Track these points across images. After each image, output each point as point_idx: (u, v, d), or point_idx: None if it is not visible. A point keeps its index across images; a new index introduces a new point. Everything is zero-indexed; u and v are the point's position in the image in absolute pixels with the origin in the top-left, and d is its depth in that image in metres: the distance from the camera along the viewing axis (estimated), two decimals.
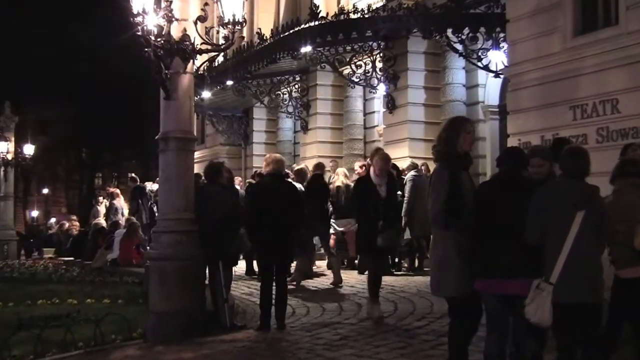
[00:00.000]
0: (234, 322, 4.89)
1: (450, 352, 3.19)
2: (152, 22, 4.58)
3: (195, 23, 4.74)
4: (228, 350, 4.24)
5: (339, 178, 7.52)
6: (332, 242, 7.61)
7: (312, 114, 11.52)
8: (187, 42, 4.68)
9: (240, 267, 6.96)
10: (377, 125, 10.70)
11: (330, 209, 7.59)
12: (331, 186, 7.69)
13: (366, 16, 8.54)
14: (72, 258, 11.00)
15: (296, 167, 8.04)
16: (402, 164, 7.73)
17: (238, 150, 14.06)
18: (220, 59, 10.16)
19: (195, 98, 8.07)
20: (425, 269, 6.89)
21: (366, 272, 6.16)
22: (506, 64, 7.05)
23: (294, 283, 6.48)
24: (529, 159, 3.27)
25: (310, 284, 6.81)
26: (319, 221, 6.85)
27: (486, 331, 3.13)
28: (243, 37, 10.54)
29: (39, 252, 14.14)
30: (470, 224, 3.05)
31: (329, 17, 8.98)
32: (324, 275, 7.16)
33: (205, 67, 7.71)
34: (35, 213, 28.53)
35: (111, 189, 12.18)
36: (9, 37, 21.18)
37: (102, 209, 11.70)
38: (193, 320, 4.62)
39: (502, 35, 7.37)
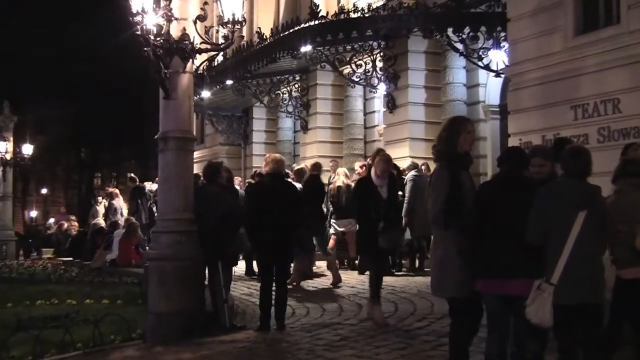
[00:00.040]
0: (234, 322, 4.87)
1: (451, 352, 3.19)
2: (151, 21, 4.57)
3: (195, 22, 4.73)
4: (227, 351, 4.23)
5: (339, 178, 7.50)
6: (332, 242, 7.60)
7: (312, 113, 11.50)
8: (187, 42, 4.67)
9: (240, 267, 6.95)
10: (377, 125, 10.68)
11: (331, 209, 7.58)
12: (331, 186, 7.68)
13: (366, 15, 8.53)
14: (71, 258, 10.98)
15: (296, 166, 8.02)
16: (403, 164, 7.71)
17: (238, 150, 14.03)
18: (220, 58, 10.11)
19: (195, 97, 8.05)
20: (425, 269, 6.88)
21: (366, 273, 6.16)
22: (507, 64, 7.02)
23: (294, 283, 6.47)
24: (530, 159, 3.27)
25: (310, 284, 6.80)
26: (318, 221, 6.83)
27: (487, 332, 3.12)
28: (243, 37, 10.58)
29: (37, 252, 14.12)
30: (470, 224, 3.04)
31: (329, 17, 8.97)
32: (324, 275, 7.15)
33: (204, 67, 7.67)
34: (34, 213, 28.50)
35: (110, 189, 12.16)
36: (8, 36, 21.17)
37: (101, 209, 11.68)
38: (192, 320, 4.62)
39: (502, 34, 7.35)
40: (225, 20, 4.81)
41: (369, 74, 9.27)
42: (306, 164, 8.48)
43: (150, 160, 21.58)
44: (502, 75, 7.68)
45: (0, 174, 13.07)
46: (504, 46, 7.39)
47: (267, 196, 4.86)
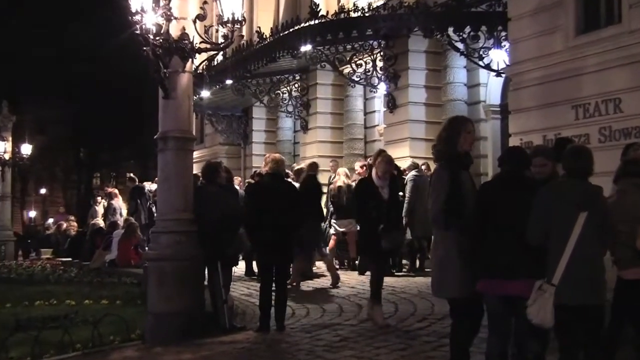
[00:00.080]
0: (233, 323, 4.86)
1: (452, 353, 3.18)
2: (150, 20, 4.57)
3: (194, 22, 4.72)
4: (227, 352, 4.22)
5: (340, 178, 7.48)
6: (332, 242, 7.58)
7: (312, 113, 11.47)
8: (186, 41, 4.66)
9: (240, 267, 6.94)
10: (377, 125, 10.65)
11: (331, 209, 7.56)
12: (332, 186, 7.66)
13: (366, 15, 8.51)
14: (70, 259, 10.97)
15: (296, 166, 8.00)
16: (403, 164, 7.69)
17: (237, 150, 14.01)
18: (220, 57, 10.08)
19: (194, 97, 8.04)
20: (426, 269, 6.86)
21: (366, 273, 6.14)
22: (508, 63, 7.00)
23: (294, 284, 6.45)
24: (532, 159, 3.27)
25: (310, 284, 6.78)
26: (316, 222, 6.81)
27: (488, 332, 3.11)
28: (242, 36, 10.57)
29: (36, 252, 14.11)
30: (471, 224, 3.04)
31: (329, 16, 8.95)
32: (324, 276, 7.13)
33: (204, 66, 7.69)
34: (32, 213, 28.47)
35: (109, 189, 12.14)
36: (7, 36, 21.14)
37: (100, 209, 11.65)
38: (192, 321, 4.60)
39: (503, 34, 7.33)
40: (225, 19, 4.80)
41: (369, 73, 9.25)
42: (306, 164, 8.46)
43: (150, 160, 21.57)
44: (503, 75, 7.66)
45: None
46: (504, 45, 7.36)
47: (267, 196, 4.85)
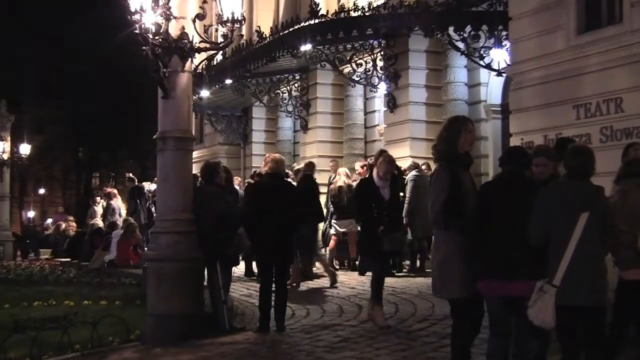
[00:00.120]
0: (233, 324, 4.85)
1: (453, 353, 3.18)
2: (150, 20, 4.56)
3: (194, 21, 4.71)
4: (227, 353, 4.21)
5: (340, 178, 7.47)
6: (332, 242, 7.56)
7: (312, 113, 11.44)
8: (186, 40, 4.65)
9: (240, 268, 6.92)
10: (377, 125, 10.63)
11: (331, 209, 7.54)
12: (332, 186, 7.65)
13: (367, 14, 8.49)
14: (68, 259, 10.96)
15: (296, 166, 7.97)
16: (404, 164, 7.66)
17: (237, 149, 13.98)
18: (219, 57, 10.05)
19: (194, 97, 8.03)
20: (426, 270, 6.84)
21: (367, 274, 6.12)
22: (508, 63, 6.97)
23: (293, 284, 6.43)
24: (533, 159, 3.28)
25: (310, 285, 6.76)
26: (316, 222, 6.80)
27: (489, 333, 3.10)
28: (242, 36, 10.54)
29: (35, 253, 14.08)
30: (471, 224, 3.03)
31: (329, 15, 8.92)
32: (324, 276, 7.11)
33: (203, 66, 7.63)
34: (31, 214, 28.45)
35: (108, 189, 12.11)
36: (5, 36, 21.09)
37: (99, 210, 11.62)
38: (191, 322, 4.59)
39: (504, 33, 7.30)
40: (225, 19, 4.79)
41: (369, 73, 9.22)
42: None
43: (149, 160, 21.54)
44: (504, 75, 7.63)
45: None
46: (505, 45, 7.33)
47: (267, 196, 4.84)
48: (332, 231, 7.53)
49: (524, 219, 2.89)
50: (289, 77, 11.46)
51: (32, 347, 4.11)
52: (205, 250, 4.73)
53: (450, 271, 3.06)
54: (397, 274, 6.93)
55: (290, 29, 8.97)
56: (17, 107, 16.94)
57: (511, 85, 6.79)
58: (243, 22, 5.01)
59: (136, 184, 10.32)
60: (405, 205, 6.89)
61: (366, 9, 8.58)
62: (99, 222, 10.80)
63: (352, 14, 8.54)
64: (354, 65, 9.24)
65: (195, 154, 6.15)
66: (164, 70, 4.67)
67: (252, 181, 7.61)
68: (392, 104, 9.17)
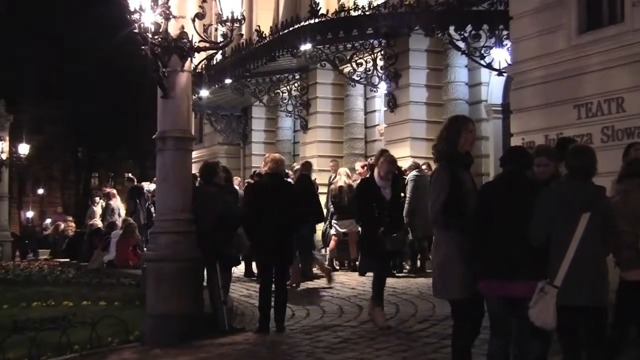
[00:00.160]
0: (233, 324, 4.83)
1: (454, 354, 3.17)
2: (149, 19, 4.55)
3: (193, 20, 4.70)
4: (226, 354, 4.20)
5: (341, 178, 7.45)
6: (332, 243, 7.54)
7: (312, 112, 11.42)
8: (185, 40, 4.64)
9: (239, 268, 6.90)
10: (378, 124, 10.61)
11: (332, 209, 7.52)
12: (333, 186, 7.63)
13: (367, 13, 8.47)
14: (67, 259, 10.94)
15: (296, 166, 7.95)
16: (404, 164, 7.64)
17: (237, 149, 13.96)
18: (219, 57, 10.05)
19: (193, 97, 8.00)
20: (427, 270, 6.82)
21: (367, 274, 6.10)
22: (509, 62, 6.97)
23: (293, 284, 6.41)
24: (535, 158, 3.27)
25: (310, 285, 6.74)
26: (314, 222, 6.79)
27: (489, 333, 3.10)
28: (242, 35, 10.49)
29: (34, 253, 14.06)
30: (472, 224, 3.02)
31: (329, 15, 8.89)
32: (324, 276, 7.09)
33: (203, 65, 7.63)
34: (30, 214, 28.43)
35: (108, 189, 12.09)
36: (4, 36, 21.06)
37: (98, 210, 11.61)
38: (191, 322, 4.58)
39: (505, 32, 7.29)
40: (224, 18, 4.78)
41: (369, 72, 9.20)
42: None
43: (148, 160, 21.48)
44: (505, 74, 7.61)
45: None
46: (506, 44, 7.32)
47: (267, 196, 4.82)
48: (333, 231, 7.51)
49: (525, 219, 2.88)
50: (289, 77, 11.44)
51: (30, 347, 4.10)
52: (204, 251, 4.72)
53: (451, 271, 3.05)
54: (397, 275, 6.91)
55: (290, 29, 8.95)
56: (16, 107, 16.89)
57: (512, 85, 6.77)
58: (243, 21, 5.00)
59: (135, 184, 10.30)
60: (406, 206, 6.86)
61: (366, 9, 8.56)
62: (98, 222, 10.78)
63: (353, 13, 8.52)
64: (354, 64, 9.22)
65: (194, 154, 6.13)
66: (164, 69, 4.66)
67: (252, 181, 7.59)
68: (392, 103, 9.15)
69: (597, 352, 2.91)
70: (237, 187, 7.59)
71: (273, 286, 4.81)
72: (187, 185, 4.83)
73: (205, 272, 4.90)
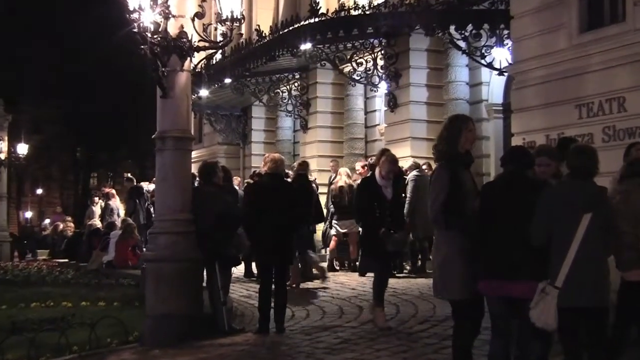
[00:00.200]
0: (232, 325, 4.81)
1: (454, 355, 3.16)
2: (148, 18, 4.54)
3: (193, 20, 4.68)
4: (226, 354, 4.19)
5: (341, 178, 7.44)
6: (333, 243, 7.52)
7: (312, 112, 11.40)
8: (185, 39, 4.62)
9: (239, 269, 6.88)
10: (378, 124, 10.59)
11: (332, 209, 7.49)
12: (333, 186, 7.61)
13: (367, 13, 8.45)
14: (66, 260, 10.91)
15: (296, 166, 7.92)
16: (404, 164, 7.62)
17: (236, 149, 13.94)
18: (218, 56, 10.05)
19: (193, 96, 7.98)
20: (427, 271, 6.80)
21: (367, 274, 6.08)
22: (510, 62, 6.96)
23: (293, 285, 6.39)
24: (536, 158, 3.27)
25: (310, 286, 6.72)
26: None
27: (490, 334, 3.09)
28: (241, 34, 10.45)
29: (32, 253, 14.03)
30: (472, 224, 3.02)
31: (330, 14, 8.86)
32: (324, 277, 7.06)
33: (202, 65, 7.62)
34: (29, 214, 28.40)
35: (107, 189, 12.05)
36: (5, 35, 21.03)
37: (97, 210, 11.59)
38: (190, 323, 4.56)
39: (506, 32, 7.28)
40: (224, 17, 4.77)
41: (369, 72, 9.18)
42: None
43: (147, 160, 21.43)
44: (505, 74, 7.60)
45: None
46: (507, 44, 7.31)
47: (266, 196, 4.81)
48: (333, 232, 7.48)
49: (526, 219, 2.87)
50: (289, 76, 11.42)
51: (29, 348, 4.08)
52: (203, 251, 4.70)
53: (451, 271, 3.04)
54: (398, 275, 6.89)
55: (290, 28, 8.93)
56: (15, 107, 16.86)
57: (513, 85, 6.76)
58: (242, 20, 4.98)
59: (135, 183, 10.27)
60: (406, 206, 6.84)
61: (367, 8, 8.55)
62: (97, 222, 10.76)
63: (353, 12, 8.50)
64: (354, 64, 9.20)
65: (194, 154, 6.10)
66: (163, 69, 4.64)
67: (252, 181, 7.57)
68: (392, 103, 9.13)
69: (598, 352, 2.91)
70: (236, 187, 7.57)
71: (273, 287, 4.80)
72: (186, 186, 4.81)
73: (204, 273, 4.88)
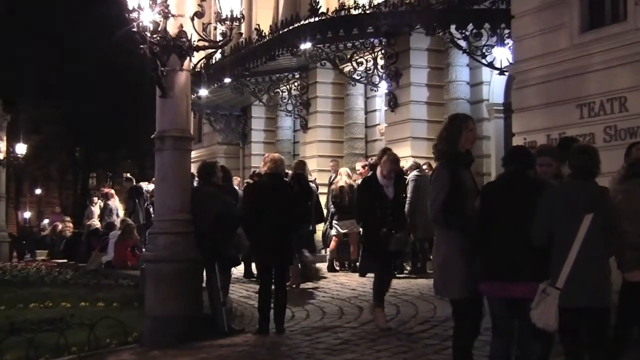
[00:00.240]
0: (232, 326, 4.81)
1: (455, 356, 3.16)
2: (147, 18, 4.53)
3: (192, 19, 4.67)
4: (226, 355, 4.18)
5: (342, 178, 7.42)
6: (333, 243, 7.50)
7: (312, 112, 11.37)
8: (184, 39, 4.61)
9: (239, 269, 6.86)
10: (378, 124, 10.56)
11: (332, 209, 7.47)
12: (333, 186, 7.59)
13: (367, 12, 8.41)
14: (65, 260, 10.86)
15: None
16: (405, 164, 7.59)
17: (236, 149, 13.91)
18: (218, 56, 10.04)
19: (192, 96, 7.97)
20: (428, 271, 6.78)
21: (367, 275, 6.07)
22: (511, 61, 6.95)
23: (293, 285, 6.37)
24: (537, 158, 3.27)
25: (310, 286, 6.70)
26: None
27: (491, 335, 3.08)
28: (241, 34, 10.41)
29: (31, 254, 13.99)
30: (472, 223, 3.01)
31: (330, 13, 8.83)
32: (325, 277, 7.07)
33: (202, 65, 7.60)
34: (27, 214, 28.39)
35: (106, 189, 12.01)
36: (5, 35, 21.00)
37: (96, 210, 11.55)
38: (190, 324, 4.55)
39: (507, 31, 7.25)
40: (224, 17, 4.76)
41: (370, 71, 9.15)
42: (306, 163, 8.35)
43: (147, 160, 21.43)
44: (506, 73, 7.57)
45: None
46: (508, 43, 7.29)
47: (266, 196, 4.79)
48: (333, 232, 7.46)
49: (527, 219, 2.86)
50: (289, 76, 11.39)
51: (28, 349, 4.07)
52: (203, 251, 4.68)
53: (451, 271, 3.04)
54: (398, 275, 6.86)
55: (290, 27, 8.90)
56: (13, 106, 16.84)
57: (514, 84, 6.74)
58: (242, 20, 4.97)
59: (134, 183, 10.25)
60: (407, 206, 6.82)
61: (367, 7, 8.51)
62: (96, 222, 10.73)
63: (353, 12, 8.47)
64: (354, 63, 9.17)
65: (193, 154, 6.08)
66: (162, 69, 4.63)
67: (251, 181, 7.55)
68: (393, 103, 9.10)
69: (600, 353, 2.90)
70: (236, 187, 7.54)
71: (273, 287, 4.78)
72: (186, 185, 4.80)
73: (204, 273, 4.86)
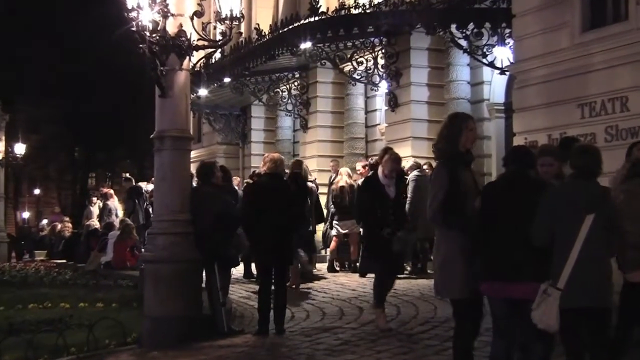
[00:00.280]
0: (232, 326, 4.80)
1: (455, 356, 3.14)
2: (147, 17, 4.52)
3: (192, 18, 4.66)
4: (225, 356, 4.18)
5: (342, 178, 7.39)
6: (333, 244, 7.48)
7: (312, 112, 11.36)
8: (183, 38, 4.60)
9: (239, 269, 6.85)
10: (379, 124, 10.55)
11: (332, 209, 7.45)
12: (334, 186, 7.57)
13: (368, 11, 8.39)
14: (64, 260, 10.87)
15: None
16: (405, 164, 7.56)
17: (236, 149, 13.89)
18: (218, 55, 10.00)
19: (192, 96, 7.96)
20: (428, 271, 6.76)
21: (367, 275, 6.05)
22: (512, 61, 6.94)
23: (293, 286, 6.35)
24: (539, 158, 3.26)
25: (310, 286, 6.68)
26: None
27: (492, 335, 3.08)
28: (241, 33, 10.42)
29: (30, 254, 13.99)
30: (472, 223, 3.00)
31: (330, 12, 8.82)
32: (325, 278, 7.05)
33: (201, 64, 7.55)
34: (26, 214, 28.38)
35: (105, 190, 12.00)
36: (5, 35, 20.98)
37: (95, 210, 11.54)
38: (189, 324, 4.55)
39: (507, 30, 7.23)
40: (223, 16, 4.75)
41: (370, 71, 9.13)
42: (306, 163, 8.34)
43: (146, 160, 21.39)
44: (507, 73, 7.56)
45: None
46: (508, 43, 7.28)
47: (265, 196, 4.78)
48: (334, 232, 7.44)
49: (528, 219, 2.85)
50: (289, 76, 11.37)
51: (27, 350, 4.08)
52: (202, 251, 4.67)
53: (452, 271, 3.03)
54: (398, 276, 6.84)
55: (290, 27, 8.89)
56: (12, 106, 16.83)
57: (515, 84, 6.73)
58: (242, 19, 4.96)
59: (133, 183, 10.23)
60: (407, 206, 6.80)
61: (367, 6, 8.48)
62: (95, 222, 10.72)
63: (353, 11, 8.46)
64: (354, 63, 9.15)
65: (193, 154, 6.07)
66: (162, 68, 4.62)
67: (251, 181, 7.53)
68: (393, 102, 9.08)
69: (601, 353, 2.89)
70: (236, 187, 7.53)
71: (272, 287, 4.76)
72: (185, 185, 4.79)
73: (203, 273, 4.85)
